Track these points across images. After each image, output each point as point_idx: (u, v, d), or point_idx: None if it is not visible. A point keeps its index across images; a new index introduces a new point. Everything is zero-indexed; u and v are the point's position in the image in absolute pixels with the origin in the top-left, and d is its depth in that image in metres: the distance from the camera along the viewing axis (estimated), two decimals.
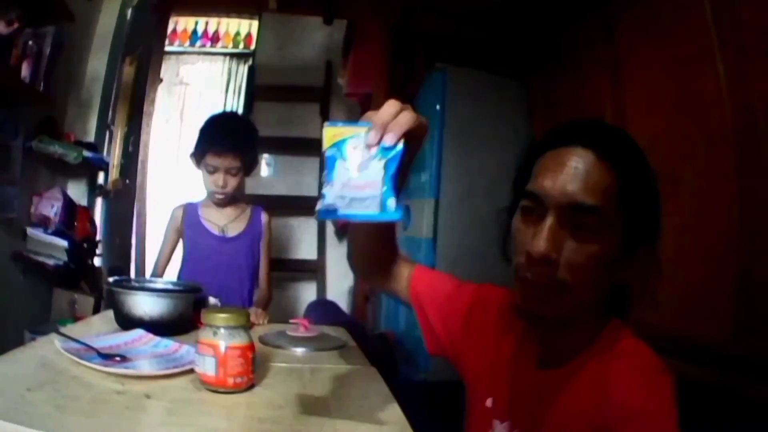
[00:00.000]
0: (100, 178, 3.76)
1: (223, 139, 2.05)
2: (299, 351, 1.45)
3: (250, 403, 1.00)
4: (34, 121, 2.89)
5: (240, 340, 1.03)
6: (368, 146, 0.82)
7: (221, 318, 1.02)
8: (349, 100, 3.91)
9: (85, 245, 3.17)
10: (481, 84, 3.21)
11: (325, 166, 0.84)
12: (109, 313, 1.56)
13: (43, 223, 2.95)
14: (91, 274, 3.27)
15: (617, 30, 2.46)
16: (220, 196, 2.10)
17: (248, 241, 2.21)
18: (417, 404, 1.22)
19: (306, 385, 1.15)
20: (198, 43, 4.52)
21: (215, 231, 2.14)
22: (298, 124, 4.24)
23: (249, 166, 2.15)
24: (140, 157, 3.19)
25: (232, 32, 4.52)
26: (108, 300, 1.73)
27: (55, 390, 0.94)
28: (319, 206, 0.81)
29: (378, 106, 0.84)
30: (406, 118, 0.82)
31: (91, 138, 3.53)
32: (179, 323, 1.47)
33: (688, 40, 2.02)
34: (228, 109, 4.33)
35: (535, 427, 0.91)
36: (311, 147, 4.25)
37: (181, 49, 4.48)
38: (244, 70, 4.45)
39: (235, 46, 4.52)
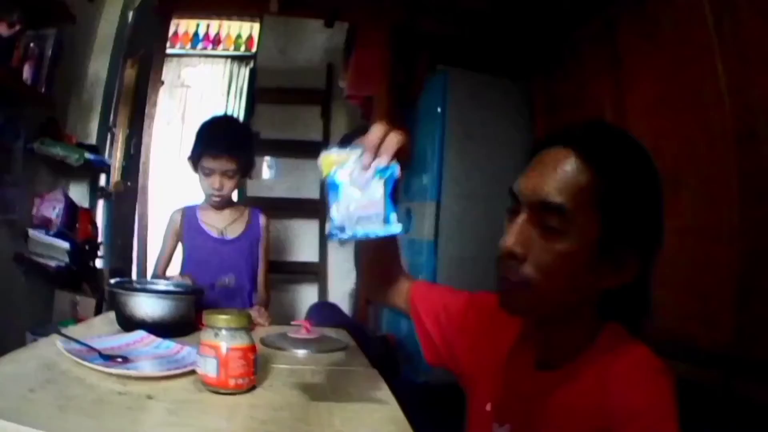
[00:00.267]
0: (102, 180, 3.76)
1: (219, 141, 2.07)
2: (301, 353, 1.45)
3: (252, 405, 1.00)
4: (36, 123, 2.90)
5: (241, 341, 1.03)
6: (364, 168, 0.91)
7: (223, 319, 1.02)
8: (350, 103, 3.91)
9: (86, 247, 3.18)
10: (483, 86, 3.22)
11: (328, 191, 0.92)
12: (111, 315, 1.56)
13: (45, 224, 2.95)
14: (93, 275, 3.27)
15: (618, 32, 2.47)
16: (217, 199, 2.11)
17: (247, 243, 2.21)
18: (418, 406, 1.22)
19: (307, 386, 1.15)
20: (199, 46, 4.52)
21: (214, 234, 2.15)
22: (300, 127, 4.25)
23: (245, 169, 2.16)
24: (142, 159, 3.20)
25: (234, 35, 4.52)
26: (109, 301, 1.73)
27: (57, 391, 0.94)
28: (329, 228, 0.89)
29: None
30: (394, 140, 0.90)
31: (92, 140, 3.53)
32: (181, 325, 1.48)
33: (688, 41, 2.03)
34: (229, 111, 4.34)
35: (535, 429, 0.91)
36: (312, 149, 4.24)
37: (182, 51, 4.48)
38: (245, 72, 4.46)
39: (237, 48, 4.52)
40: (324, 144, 4.30)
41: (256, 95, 4.30)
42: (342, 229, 0.89)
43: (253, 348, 1.05)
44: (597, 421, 0.79)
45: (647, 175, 0.87)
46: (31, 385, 0.95)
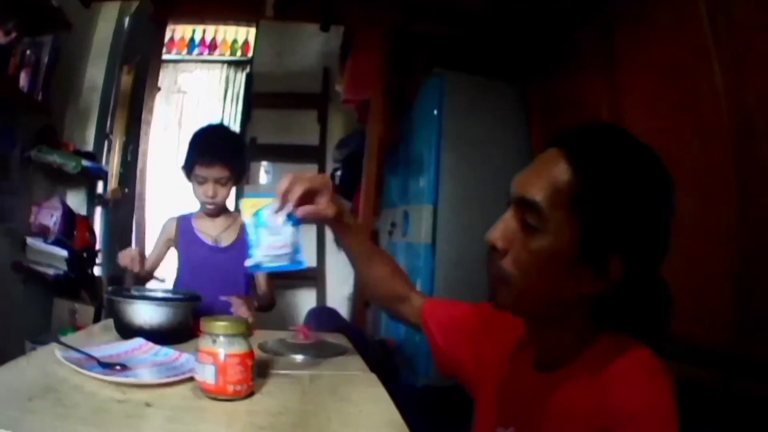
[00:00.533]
0: (99, 187, 3.76)
1: (211, 149, 2.09)
2: (299, 358, 1.45)
3: (250, 411, 1.00)
4: (33, 131, 2.90)
5: (239, 347, 1.03)
6: (275, 212, 1.13)
7: (220, 326, 1.02)
8: (346, 107, 3.92)
9: (84, 254, 3.18)
10: (479, 89, 3.22)
11: (248, 231, 1.16)
12: (110, 322, 1.56)
13: (43, 232, 2.95)
14: (91, 283, 3.27)
15: (614, 33, 2.47)
16: (211, 206, 2.12)
17: (242, 250, 2.21)
18: (417, 410, 1.22)
19: (306, 392, 1.15)
20: (195, 51, 4.53)
21: (209, 241, 2.16)
22: (296, 131, 4.25)
23: (238, 176, 2.18)
24: (139, 166, 3.20)
25: (230, 40, 4.53)
26: (108, 309, 1.73)
27: (56, 399, 0.94)
28: (249, 263, 1.16)
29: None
30: (299, 189, 1.13)
31: (89, 147, 3.53)
32: (179, 332, 1.47)
33: (684, 41, 2.03)
34: (226, 116, 4.35)
35: (537, 431, 0.91)
36: (310, 154, 4.27)
37: (178, 57, 4.49)
38: (241, 77, 4.47)
39: (233, 53, 4.53)
40: (321, 148, 4.31)
41: (252, 100, 4.31)
42: (258, 266, 1.16)
43: (251, 354, 1.05)
44: (597, 422, 0.79)
45: (639, 180, 0.85)
46: (30, 393, 0.95)
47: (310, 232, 4.13)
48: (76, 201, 3.47)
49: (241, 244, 2.20)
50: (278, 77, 4.27)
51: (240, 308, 1.88)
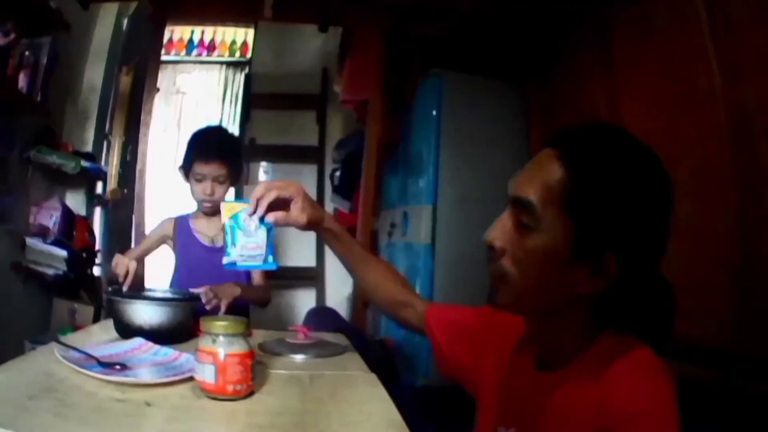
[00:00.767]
0: (99, 187, 3.76)
1: (210, 147, 2.11)
2: (299, 358, 1.45)
3: (250, 411, 1.00)
4: (32, 132, 2.90)
5: (239, 347, 1.03)
6: (250, 215, 1.24)
7: (220, 326, 1.02)
8: (345, 107, 3.92)
9: (84, 255, 3.18)
10: (478, 89, 3.22)
11: (226, 232, 1.26)
12: (109, 322, 1.56)
13: (42, 233, 2.95)
14: (91, 283, 3.27)
15: (612, 32, 2.47)
16: (209, 204, 2.13)
17: None
18: (417, 410, 1.23)
19: (306, 391, 1.15)
20: (194, 52, 4.53)
21: (205, 242, 2.17)
22: (295, 132, 4.26)
23: (235, 175, 2.19)
24: (138, 167, 3.19)
25: (228, 41, 4.53)
26: (108, 309, 1.72)
27: (55, 399, 0.94)
28: (225, 260, 1.25)
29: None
30: (270, 196, 1.23)
31: (89, 148, 3.53)
32: (178, 331, 1.47)
33: (682, 40, 2.03)
34: (225, 117, 4.35)
35: (538, 431, 0.91)
36: (309, 154, 4.27)
37: (177, 58, 4.49)
38: (240, 78, 4.47)
39: (232, 54, 4.53)
40: (320, 148, 4.31)
41: (251, 101, 4.31)
42: (233, 264, 1.25)
43: (250, 354, 1.05)
44: (598, 421, 0.80)
45: (631, 178, 0.84)
46: (30, 393, 0.95)
47: (310, 232, 4.12)
48: (76, 201, 3.47)
49: None
50: (277, 78, 4.27)
51: (212, 301, 1.81)
